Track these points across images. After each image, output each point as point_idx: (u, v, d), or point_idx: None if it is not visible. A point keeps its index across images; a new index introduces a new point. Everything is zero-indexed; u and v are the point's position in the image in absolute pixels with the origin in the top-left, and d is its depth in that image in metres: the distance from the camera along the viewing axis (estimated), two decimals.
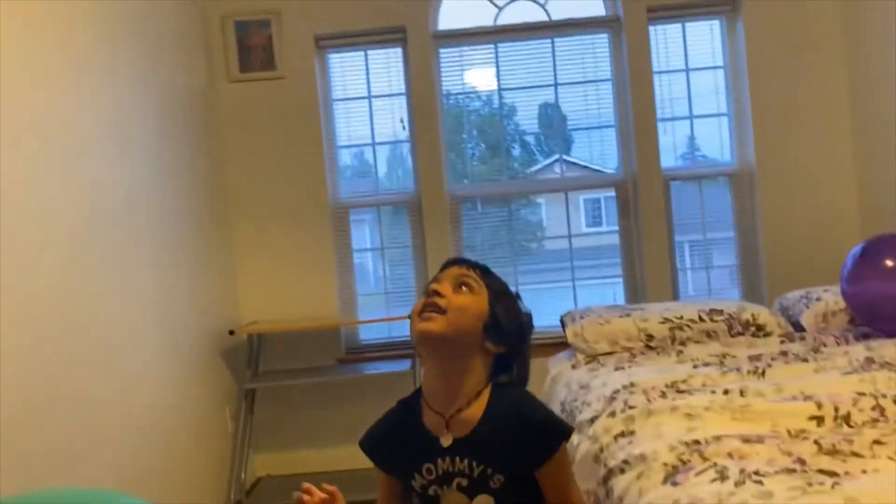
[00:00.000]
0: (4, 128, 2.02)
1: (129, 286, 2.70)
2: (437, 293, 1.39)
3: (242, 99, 3.88)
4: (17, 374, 1.97)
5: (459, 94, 4.06)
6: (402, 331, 3.89)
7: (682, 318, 2.78)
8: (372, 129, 4.04)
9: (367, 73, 4.02)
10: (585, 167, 4.13)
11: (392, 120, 4.06)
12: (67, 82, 2.39)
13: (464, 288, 1.43)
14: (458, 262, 1.49)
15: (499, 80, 4.02)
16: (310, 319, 3.82)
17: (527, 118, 4.10)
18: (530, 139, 4.13)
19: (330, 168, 3.97)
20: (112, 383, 2.49)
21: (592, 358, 2.71)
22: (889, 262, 2.52)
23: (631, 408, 1.90)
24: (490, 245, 4.04)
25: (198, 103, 3.60)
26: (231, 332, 3.51)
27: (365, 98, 4.03)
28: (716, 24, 3.99)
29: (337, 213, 3.99)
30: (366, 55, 4.02)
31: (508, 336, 1.44)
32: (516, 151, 4.12)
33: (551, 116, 4.06)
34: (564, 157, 4.08)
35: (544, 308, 4.04)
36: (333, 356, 3.90)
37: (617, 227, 3.99)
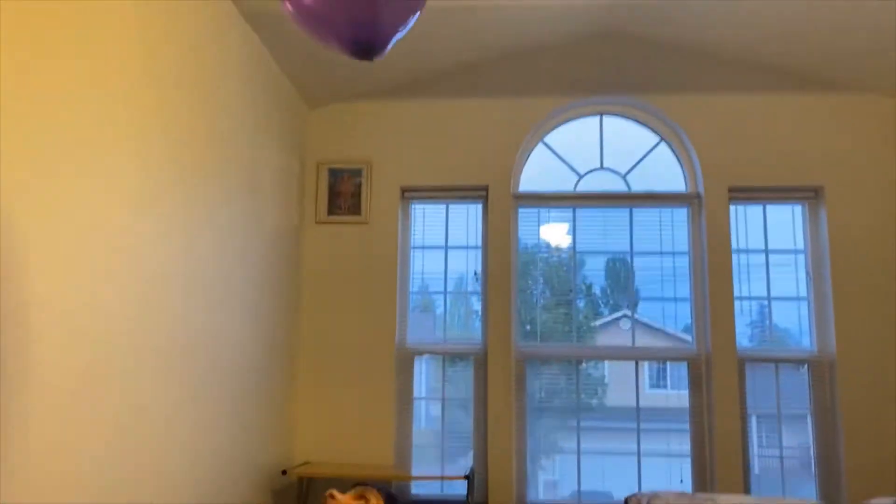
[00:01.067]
0: (130, 268, 2.14)
1: (201, 421, 2.72)
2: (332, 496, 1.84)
3: (326, 240, 4.04)
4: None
5: (534, 248, 4.13)
6: (455, 489, 3.77)
7: None
8: (445, 279, 4.12)
9: (447, 225, 4.15)
10: (654, 328, 4.06)
11: (466, 271, 4.13)
12: (178, 219, 2.54)
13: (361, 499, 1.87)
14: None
15: (574, 242, 4.07)
16: (363, 467, 3.75)
17: (596, 273, 4.11)
18: (598, 291, 4.12)
19: (400, 313, 4.03)
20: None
21: None
22: None
23: None
24: (549, 398, 3.96)
25: (286, 243, 3.76)
26: (284, 472, 3.47)
27: (442, 248, 4.14)
28: (798, 208, 3.99)
29: (402, 359, 4.00)
30: (447, 208, 4.16)
31: None
32: (582, 303, 4.10)
33: (620, 271, 4.06)
34: (633, 314, 4.02)
35: (607, 475, 3.88)
36: None
37: (684, 392, 3.86)
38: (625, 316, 4.06)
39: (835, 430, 3.73)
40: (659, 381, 4.16)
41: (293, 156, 3.89)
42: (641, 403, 3.92)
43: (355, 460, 3.80)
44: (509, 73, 4.08)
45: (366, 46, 1.70)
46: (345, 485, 3.75)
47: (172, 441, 2.53)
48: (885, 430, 3.63)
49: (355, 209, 4.06)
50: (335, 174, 4.08)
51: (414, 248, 4.16)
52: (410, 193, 4.14)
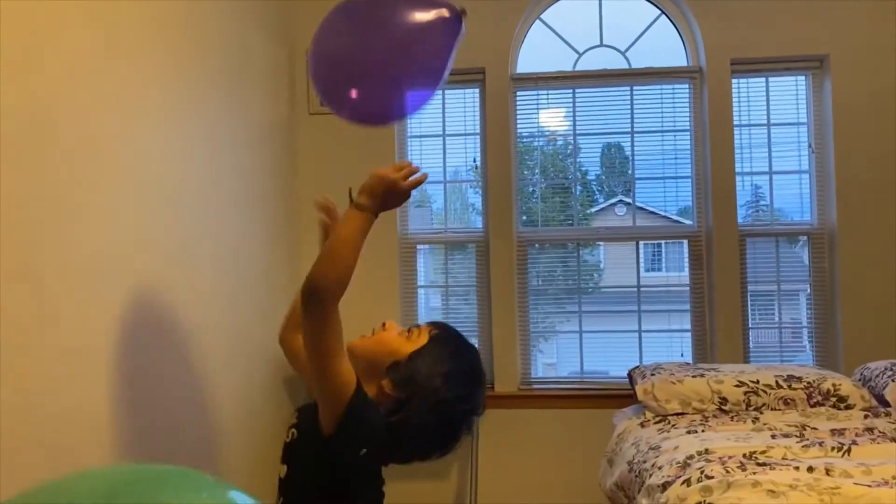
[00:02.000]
0: (100, 163, 2.09)
1: (211, 309, 2.74)
2: (383, 325, 1.68)
3: (320, 132, 3.95)
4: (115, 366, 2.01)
5: (533, 135, 4.06)
6: None
7: (758, 382, 2.68)
8: (444, 168, 4.06)
9: (444, 112, 4.06)
10: (650, 212, 4.06)
11: (465, 159, 4.07)
12: (160, 116, 2.47)
13: (406, 332, 1.64)
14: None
15: (574, 124, 4.00)
16: None
17: (592, 160, 4.07)
18: (593, 178, 4.09)
19: None
20: (189, 385, 2.52)
21: (662, 417, 2.63)
22: None
23: (708, 478, 1.82)
24: (546, 284, 4.01)
25: (279, 135, 3.68)
26: None
27: (440, 136, 4.06)
28: (801, 79, 3.91)
29: (404, 249, 4.01)
30: (443, 94, 4.05)
31: (407, 384, 1.53)
32: (578, 191, 4.07)
33: (615, 157, 4.03)
34: (629, 199, 4.01)
35: (610, 357, 3.97)
36: None
37: (681, 274, 3.91)
38: (620, 202, 4.04)
39: (833, 301, 3.79)
40: (654, 264, 4.20)
41: (281, 43, 3.75)
42: (643, 287, 3.96)
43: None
44: None
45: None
46: None
47: (194, 322, 2.56)
48: (882, 298, 3.69)
49: None
50: None
51: (411, 137, 4.08)
52: None
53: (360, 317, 3.88)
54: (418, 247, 4.06)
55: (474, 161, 4.04)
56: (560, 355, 4.12)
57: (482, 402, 1.68)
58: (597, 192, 4.12)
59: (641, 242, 3.99)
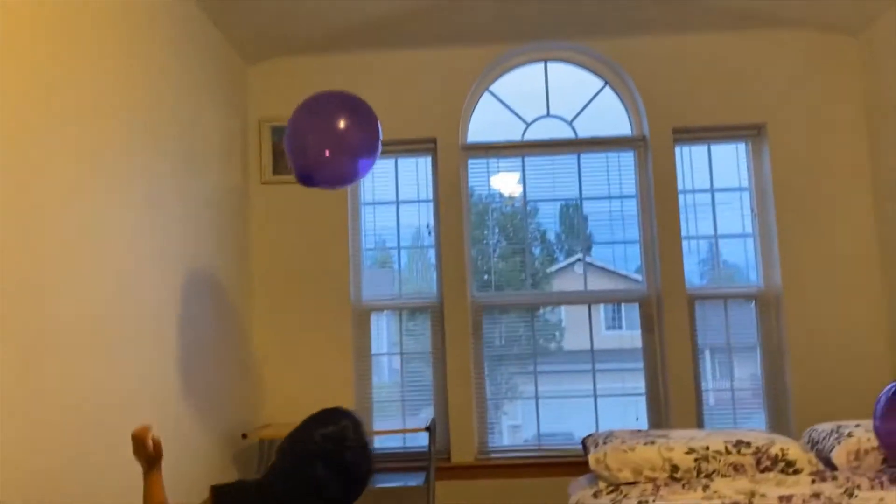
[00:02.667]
0: (49, 223, 2.06)
1: (155, 384, 2.68)
2: None
3: (273, 200, 3.96)
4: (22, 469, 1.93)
5: (488, 198, 4.12)
6: (418, 441, 3.81)
7: (707, 448, 2.70)
8: (398, 234, 4.09)
9: (397, 180, 4.10)
10: (608, 270, 4.11)
11: (419, 225, 4.10)
12: (109, 179, 2.45)
13: None
14: None
15: (525, 190, 4.08)
16: None
17: (549, 219, 4.13)
18: (552, 236, 4.15)
19: (354, 270, 4.00)
20: (116, 481, 2.43)
21: (615, 487, 2.62)
22: None
23: None
24: (508, 345, 4.02)
25: (231, 204, 3.68)
26: (244, 436, 3.45)
27: (393, 203, 4.10)
28: (741, 147, 4.05)
29: (358, 316, 3.99)
30: (396, 162, 4.11)
31: None
32: (538, 250, 4.12)
33: (573, 217, 4.09)
34: (586, 259, 4.07)
35: (566, 416, 3.96)
36: None
37: (638, 332, 3.95)
38: (578, 260, 4.10)
39: (782, 361, 3.86)
40: (614, 322, 4.24)
41: (233, 114, 3.78)
42: (597, 345, 4.00)
43: None
44: (451, 20, 4.00)
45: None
46: None
47: (131, 401, 2.49)
48: (828, 359, 3.77)
49: None
50: (278, 132, 3.97)
51: (364, 204, 4.11)
52: None
53: (314, 385, 3.85)
54: (374, 313, 4.05)
55: (428, 226, 4.08)
56: (525, 417, 4.09)
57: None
58: (556, 251, 4.17)
59: (601, 304, 4.05)
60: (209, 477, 3.23)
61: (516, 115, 4.10)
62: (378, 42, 4.01)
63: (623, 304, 4.09)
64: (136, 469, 1.83)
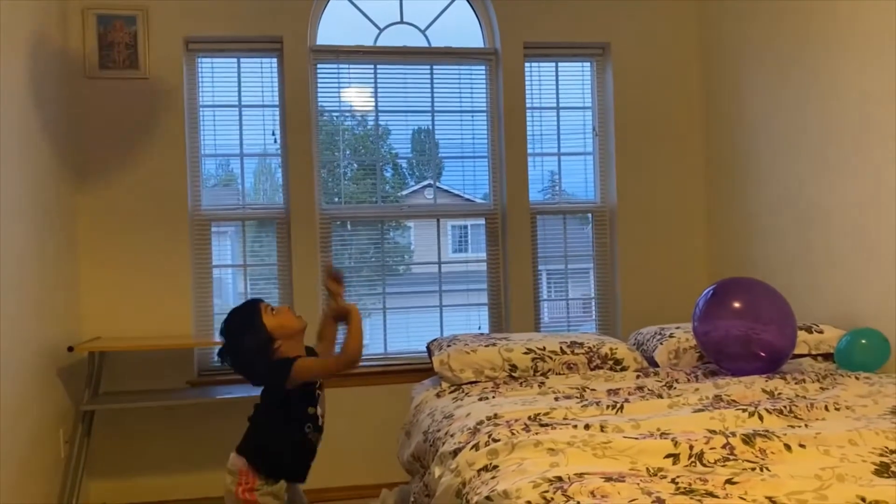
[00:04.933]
0: None
1: None
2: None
3: (100, 98, 3.61)
4: None
5: (335, 111, 3.98)
6: None
7: (544, 349, 2.83)
8: (241, 140, 3.87)
9: (239, 82, 3.86)
10: (456, 195, 4.16)
11: (263, 132, 3.91)
12: None
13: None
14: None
15: (376, 101, 3.98)
16: (160, 338, 3.57)
17: (401, 142, 4.08)
18: (403, 163, 4.11)
19: (192, 177, 3.76)
20: None
21: (457, 387, 2.69)
22: (736, 304, 2.68)
23: (494, 441, 1.88)
24: (359, 265, 3.98)
25: (51, 100, 3.30)
26: (70, 349, 3.21)
27: (235, 107, 3.86)
28: (587, 66, 4.16)
29: (197, 226, 3.78)
30: (239, 63, 3.86)
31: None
32: (389, 174, 4.08)
33: (425, 142, 4.07)
34: (436, 184, 4.09)
35: (412, 332, 4.02)
36: (184, 378, 3.67)
37: (484, 255, 4.05)
38: (429, 185, 4.09)
39: (613, 273, 4.10)
40: (461, 245, 4.30)
41: None
42: (445, 267, 4.05)
43: (152, 333, 3.61)
44: None
45: None
46: (139, 358, 3.58)
47: None
48: (653, 272, 4.06)
49: (132, 62, 3.64)
50: (105, 21, 3.60)
51: (203, 106, 3.84)
52: (195, 45, 3.77)
53: (149, 298, 3.64)
54: (215, 225, 3.85)
55: (273, 134, 3.89)
56: (372, 335, 4.10)
57: None
58: (408, 176, 4.13)
59: (449, 224, 4.08)
60: (32, 392, 3.00)
61: (368, 18, 3.96)
62: None
63: (470, 228, 4.15)
64: None
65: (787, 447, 1.70)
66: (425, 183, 4.12)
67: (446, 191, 4.13)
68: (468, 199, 4.15)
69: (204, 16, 3.70)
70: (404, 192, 4.14)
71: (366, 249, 4.01)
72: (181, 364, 3.66)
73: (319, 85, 3.91)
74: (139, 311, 3.64)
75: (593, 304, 4.17)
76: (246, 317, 2.28)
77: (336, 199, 3.96)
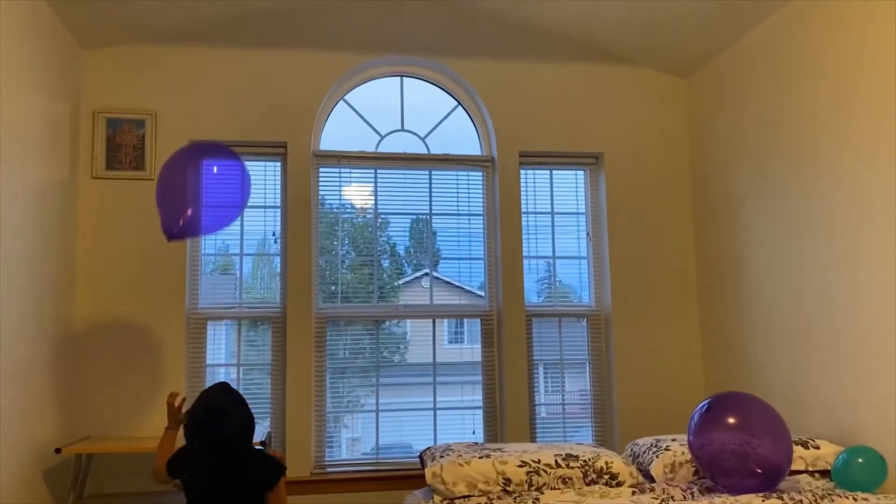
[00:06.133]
0: None
1: None
2: None
3: (105, 197, 3.69)
4: None
5: (338, 211, 4.06)
6: None
7: (539, 462, 2.80)
8: (241, 240, 3.94)
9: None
10: (454, 285, 4.19)
11: (264, 232, 3.97)
12: None
13: None
14: None
15: (376, 204, 4.07)
16: (151, 439, 3.51)
17: (399, 233, 4.14)
18: (401, 250, 4.16)
19: (191, 276, 3.80)
20: None
21: (450, 501, 2.65)
22: (731, 419, 2.68)
23: None
24: (353, 356, 3.98)
25: (55, 197, 3.37)
26: (57, 451, 3.16)
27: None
28: (581, 174, 4.28)
29: (193, 324, 3.79)
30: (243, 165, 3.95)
31: None
32: (387, 263, 4.12)
33: (423, 231, 4.13)
34: (433, 273, 4.12)
35: (405, 431, 3.97)
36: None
37: (479, 347, 4.05)
38: (426, 274, 4.14)
39: (609, 379, 4.10)
40: (457, 336, 4.31)
41: (63, 101, 3.49)
42: (440, 359, 4.06)
43: (144, 434, 3.56)
44: (310, 24, 3.94)
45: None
46: (129, 459, 3.52)
47: None
48: (650, 376, 4.05)
49: (139, 164, 3.74)
50: (114, 124, 3.72)
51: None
52: None
53: (143, 397, 3.61)
54: (212, 322, 3.86)
55: (273, 234, 3.96)
56: (364, 429, 4.05)
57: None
58: (405, 265, 4.18)
59: (445, 318, 4.11)
60: (14, 495, 2.93)
61: (370, 126, 4.10)
62: (229, 38, 3.87)
63: (466, 319, 4.17)
64: None
65: None
66: (422, 272, 4.16)
67: (444, 281, 4.16)
68: (464, 289, 4.17)
69: (211, 119, 3.82)
70: (401, 282, 4.17)
71: (360, 341, 4.01)
72: None
73: (322, 187, 4.00)
74: (133, 410, 3.60)
75: (590, 407, 4.14)
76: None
77: (333, 288, 3.98)
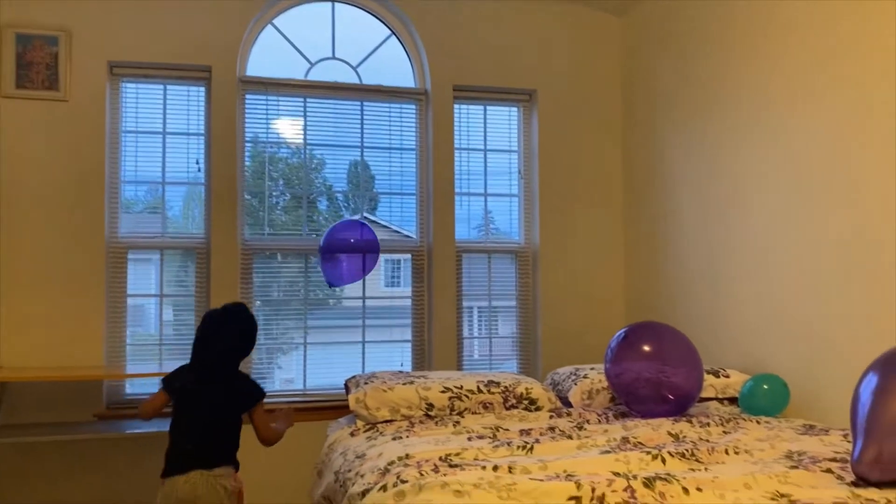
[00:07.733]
0: None
1: None
2: None
3: (16, 118, 3.49)
4: None
5: (265, 142, 3.95)
6: None
7: (461, 388, 2.84)
8: (164, 168, 3.80)
9: (165, 108, 3.80)
10: (391, 229, 4.16)
11: (187, 160, 3.84)
12: None
13: None
14: None
15: (306, 134, 3.97)
16: (68, 369, 3.43)
17: (338, 174, 4.07)
18: (340, 196, 4.10)
19: (110, 203, 3.66)
20: None
21: (372, 426, 2.67)
22: (646, 348, 2.76)
23: (403, 482, 1.87)
24: (287, 297, 3.93)
25: None
26: None
27: (159, 133, 3.80)
28: (514, 111, 4.26)
29: (113, 253, 3.67)
30: (165, 89, 3.80)
31: None
32: (324, 205, 4.06)
33: (360, 175, 4.07)
34: (369, 216, 4.08)
35: (335, 368, 3.97)
36: (92, 411, 3.52)
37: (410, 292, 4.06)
38: (364, 217, 4.08)
39: (534, 312, 4.17)
40: (393, 280, 4.30)
41: None
42: (375, 301, 4.05)
43: (59, 363, 3.46)
44: None
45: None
46: (44, 389, 3.43)
47: None
48: (573, 313, 4.14)
49: (52, 83, 3.54)
50: (24, 40, 3.50)
51: (126, 132, 3.76)
52: (120, 70, 3.71)
53: (59, 327, 3.49)
54: (140, 253, 3.75)
55: (197, 162, 3.83)
56: (296, 369, 4.02)
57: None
58: (343, 208, 4.11)
59: (382, 258, 4.07)
60: None
61: (300, 52, 3.97)
62: None
63: (403, 263, 4.15)
64: None
65: (686, 491, 1.75)
66: (359, 216, 4.11)
67: (381, 225, 4.12)
68: (401, 233, 4.15)
69: (131, 41, 3.64)
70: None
71: (295, 281, 3.96)
72: (90, 396, 3.52)
73: (248, 116, 3.88)
74: (48, 340, 3.49)
75: (516, 341, 4.21)
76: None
77: (267, 229, 3.91)
